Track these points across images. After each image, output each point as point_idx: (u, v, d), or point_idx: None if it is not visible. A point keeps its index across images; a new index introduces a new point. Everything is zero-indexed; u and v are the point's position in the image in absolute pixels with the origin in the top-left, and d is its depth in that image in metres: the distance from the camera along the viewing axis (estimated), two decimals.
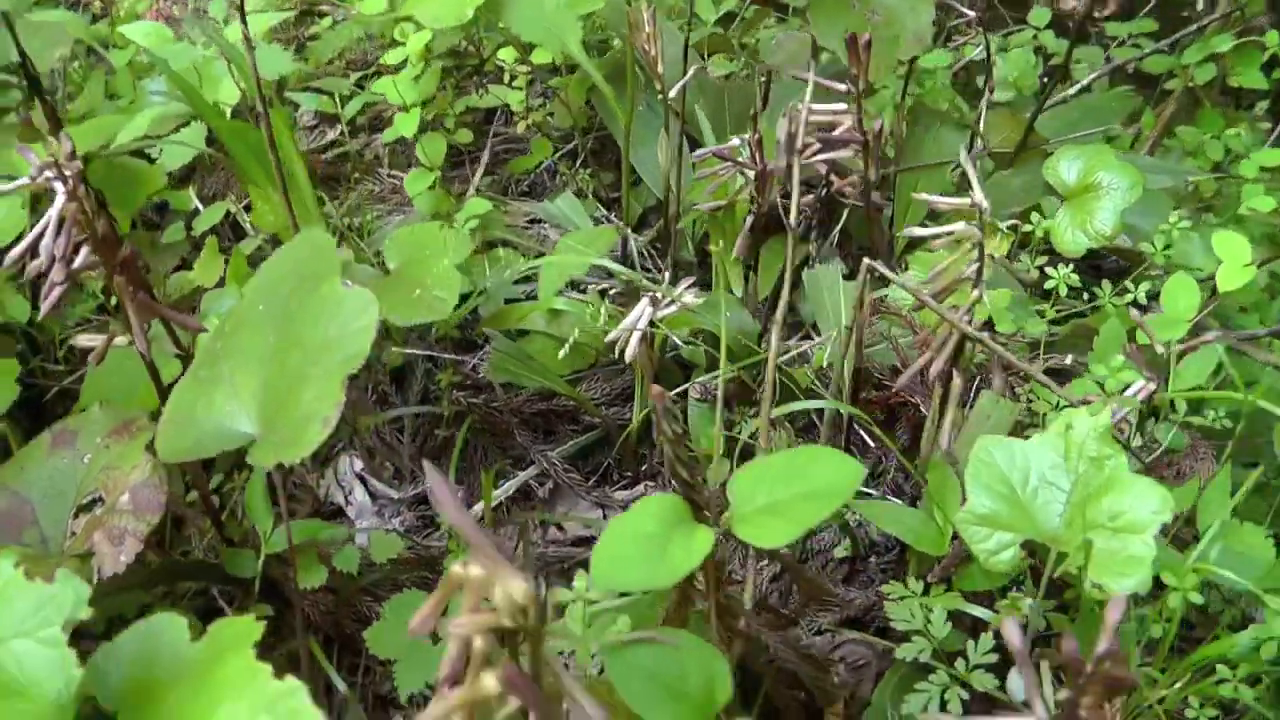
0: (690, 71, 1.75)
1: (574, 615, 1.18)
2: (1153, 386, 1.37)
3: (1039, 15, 2.29)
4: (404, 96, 1.88)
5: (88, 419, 1.41)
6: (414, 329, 1.83)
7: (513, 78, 2.13)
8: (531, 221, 2.05)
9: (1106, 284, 1.61)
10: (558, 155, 2.16)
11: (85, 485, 1.35)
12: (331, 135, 2.20)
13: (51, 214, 1.28)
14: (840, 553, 1.65)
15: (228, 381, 1.25)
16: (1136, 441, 1.39)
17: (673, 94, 1.74)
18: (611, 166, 2.12)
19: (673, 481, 0.99)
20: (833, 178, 1.46)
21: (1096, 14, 2.51)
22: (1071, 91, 2.18)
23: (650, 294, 1.53)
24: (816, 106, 1.40)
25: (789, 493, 0.99)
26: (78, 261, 1.32)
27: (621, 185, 1.94)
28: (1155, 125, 2.28)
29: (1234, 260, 1.48)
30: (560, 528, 1.73)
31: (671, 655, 1.00)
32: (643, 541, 0.98)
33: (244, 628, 1.08)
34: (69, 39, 1.80)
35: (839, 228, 1.74)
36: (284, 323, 1.25)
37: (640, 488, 1.76)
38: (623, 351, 1.48)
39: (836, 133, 1.38)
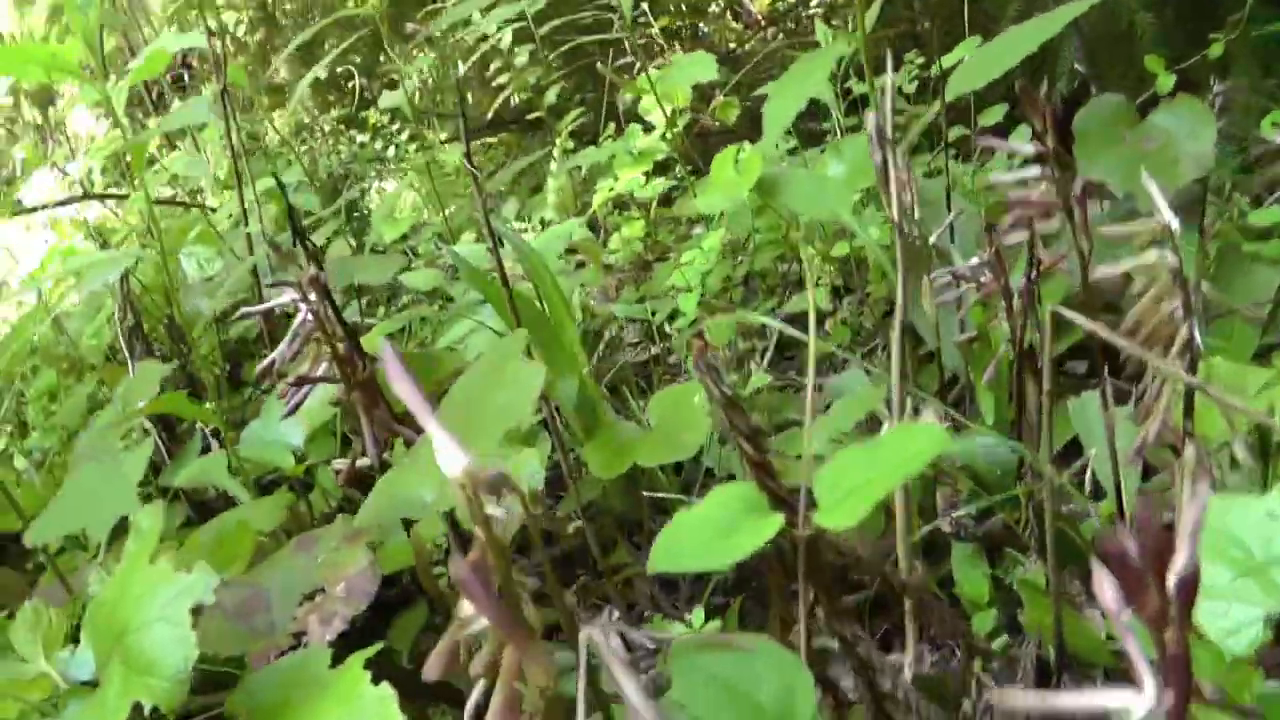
0: (951, 216, 1.71)
1: None
2: None
3: None
4: (689, 280, 1.98)
5: (329, 529, 1.52)
6: None
7: (818, 280, 2.17)
8: (828, 406, 2.01)
9: None
10: (861, 350, 2.13)
11: (314, 580, 1.45)
12: (655, 350, 2.32)
13: (292, 330, 1.46)
14: None
15: (421, 462, 1.33)
16: None
17: (933, 239, 1.70)
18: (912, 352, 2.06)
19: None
20: (1040, 255, 1.34)
21: None
22: None
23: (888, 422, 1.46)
24: (1004, 177, 1.32)
25: (870, 474, 0.88)
26: (318, 371, 1.48)
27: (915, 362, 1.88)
28: None
29: None
30: None
31: (745, 662, 0.88)
32: (707, 525, 0.90)
33: (365, 652, 1.11)
34: (396, 268, 2.13)
35: None
36: (471, 402, 1.32)
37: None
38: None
39: (1033, 196, 1.28)
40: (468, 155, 1.61)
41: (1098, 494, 1.44)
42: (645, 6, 2.83)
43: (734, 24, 3.81)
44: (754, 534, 0.86)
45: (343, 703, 1.03)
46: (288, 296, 1.47)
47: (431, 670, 0.84)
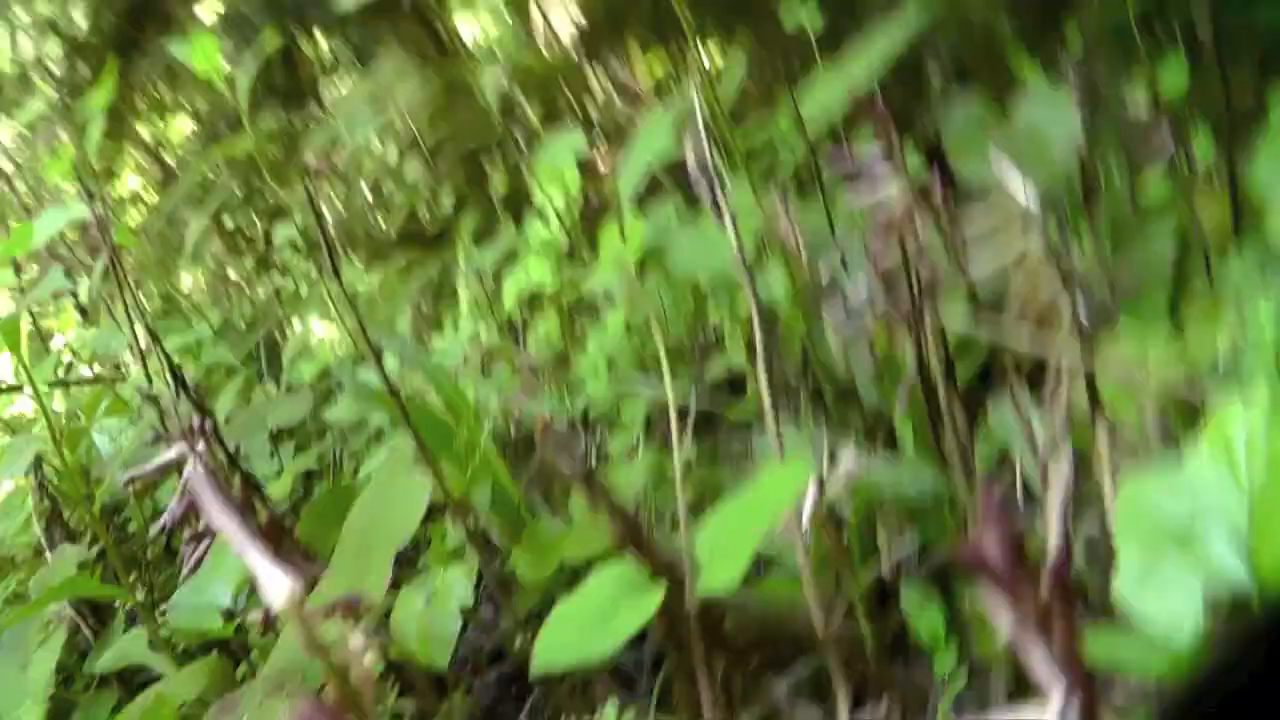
0: (836, 249, 1.67)
1: None
2: None
3: None
4: (595, 365, 1.93)
5: (250, 688, 1.44)
6: None
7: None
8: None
9: None
10: (787, 403, 2.08)
11: None
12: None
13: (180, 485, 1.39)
14: None
15: (329, 587, 1.27)
16: None
17: (826, 273, 1.66)
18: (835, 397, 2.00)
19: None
20: (919, 269, 1.30)
21: None
22: None
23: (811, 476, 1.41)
24: (860, 196, 1.28)
25: (745, 524, 0.82)
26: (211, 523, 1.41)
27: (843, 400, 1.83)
28: None
29: None
30: None
31: None
32: (586, 612, 0.84)
33: None
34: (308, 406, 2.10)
35: None
36: (365, 527, 1.26)
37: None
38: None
39: (893, 215, 1.24)
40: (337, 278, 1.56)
41: (1031, 501, 1.39)
42: (522, 99, 2.82)
43: (622, 104, 3.82)
44: (633, 614, 0.80)
45: None
46: (173, 452, 1.41)
47: None
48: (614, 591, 0.84)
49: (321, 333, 3.20)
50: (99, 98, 2.83)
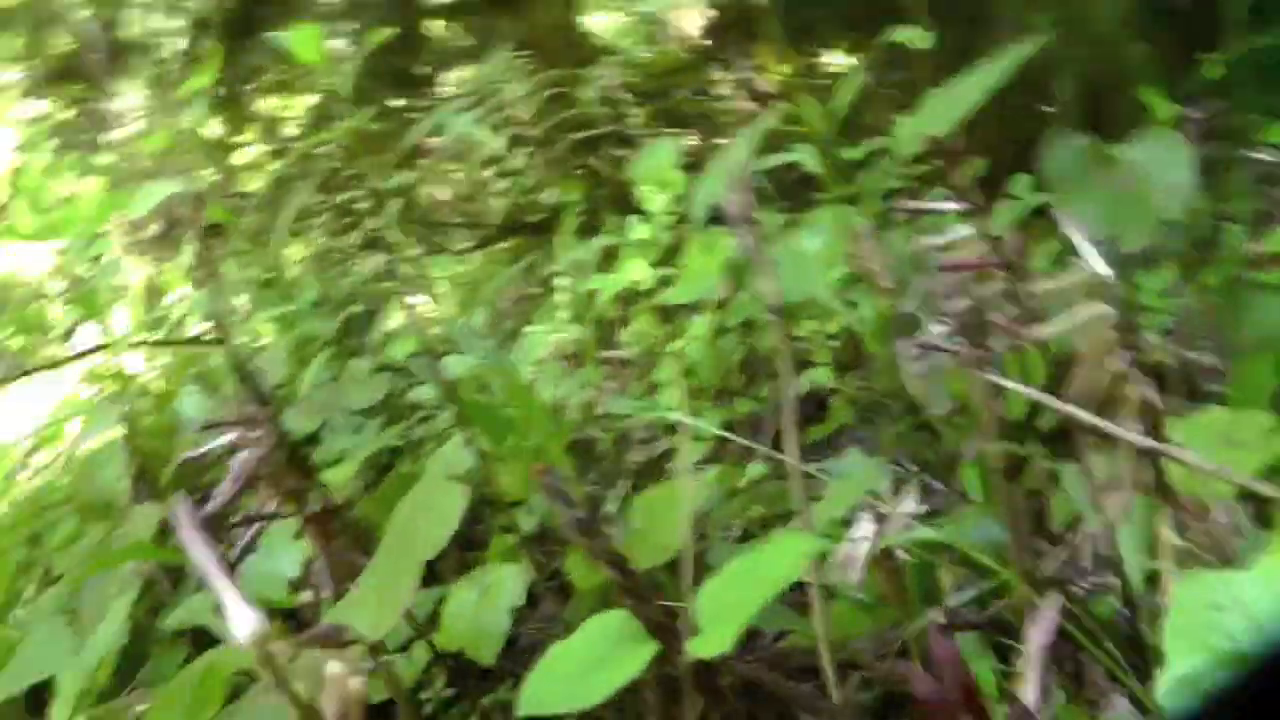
0: (920, 283, 1.61)
1: None
2: None
3: None
4: (671, 373, 1.90)
5: (299, 664, 1.45)
6: None
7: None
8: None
9: None
10: (868, 427, 2.02)
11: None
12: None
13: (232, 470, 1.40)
14: None
15: (357, 594, 1.26)
16: None
17: (908, 307, 1.60)
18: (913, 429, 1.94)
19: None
20: (991, 320, 1.23)
21: None
22: None
23: (872, 509, 1.37)
24: (929, 241, 1.23)
25: (745, 592, 0.78)
26: (267, 508, 1.42)
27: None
28: None
29: None
30: None
31: None
32: (578, 659, 0.81)
33: None
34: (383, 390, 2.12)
35: None
36: (403, 533, 1.26)
37: None
38: None
39: (964, 258, 1.18)
40: None
41: (1098, 566, 1.32)
42: (635, 95, 2.79)
43: (746, 102, 3.76)
44: (621, 668, 0.78)
45: None
46: (226, 439, 1.43)
47: None
48: (607, 642, 0.82)
49: (421, 307, 3.22)
50: (211, 71, 2.90)
